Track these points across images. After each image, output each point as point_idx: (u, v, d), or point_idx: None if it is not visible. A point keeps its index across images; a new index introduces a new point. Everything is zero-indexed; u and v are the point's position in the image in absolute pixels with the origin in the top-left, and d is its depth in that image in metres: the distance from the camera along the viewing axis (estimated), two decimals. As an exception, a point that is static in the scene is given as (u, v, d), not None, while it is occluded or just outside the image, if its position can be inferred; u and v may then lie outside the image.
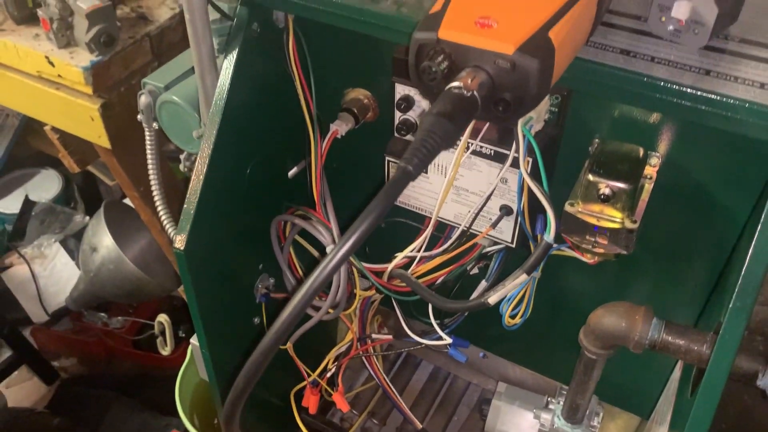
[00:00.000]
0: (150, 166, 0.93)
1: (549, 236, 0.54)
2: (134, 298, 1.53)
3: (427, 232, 0.65)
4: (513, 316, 0.67)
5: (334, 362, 0.79)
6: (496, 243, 0.69)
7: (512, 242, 0.67)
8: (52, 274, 1.62)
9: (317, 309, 0.71)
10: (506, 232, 0.67)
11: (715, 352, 0.48)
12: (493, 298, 0.57)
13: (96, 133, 1.22)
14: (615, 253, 0.58)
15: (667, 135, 0.59)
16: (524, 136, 0.55)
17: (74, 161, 1.37)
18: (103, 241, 1.44)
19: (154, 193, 0.94)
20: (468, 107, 0.39)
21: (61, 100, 1.20)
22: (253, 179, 0.70)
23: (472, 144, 0.61)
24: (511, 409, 0.75)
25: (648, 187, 0.59)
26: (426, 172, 0.69)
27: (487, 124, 0.60)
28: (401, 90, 0.66)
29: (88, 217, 1.74)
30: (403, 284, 0.68)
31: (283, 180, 0.76)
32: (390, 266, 0.68)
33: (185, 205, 0.62)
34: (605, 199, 0.55)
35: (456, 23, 0.41)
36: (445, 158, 0.67)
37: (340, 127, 0.70)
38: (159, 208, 0.93)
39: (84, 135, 1.25)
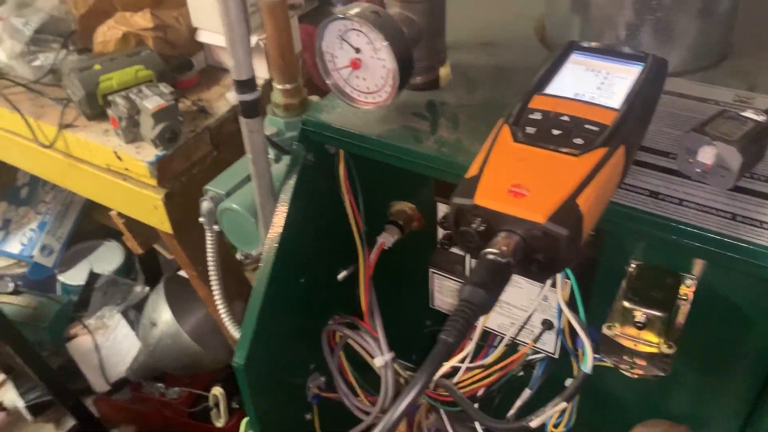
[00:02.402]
0: (210, 267, 0.99)
1: (587, 367, 0.57)
2: (190, 371, 1.59)
3: (472, 344, 0.68)
4: (556, 426, 0.69)
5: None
6: (538, 352, 0.72)
7: (554, 353, 0.70)
8: (113, 344, 1.70)
9: (367, 413, 0.74)
10: (548, 343, 0.70)
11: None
12: (534, 422, 0.60)
13: (159, 220, 1.30)
14: (653, 375, 0.60)
15: (701, 260, 0.61)
16: (561, 266, 0.58)
17: (137, 243, 1.46)
18: (162, 316, 1.51)
19: (215, 292, 0.99)
20: (503, 273, 0.43)
21: (128, 190, 1.29)
22: (306, 288, 0.75)
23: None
24: None
25: (684, 308, 0.62)
26: (468, 285, 0.72)
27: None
28: (443, 208, 0.70)
29: (147, 288, 1.83)
30: (443, 394, 0.71)
31: (332, 284, 0.80)
32: (435, 377, 0.71)
33: (244, 321, 0.67)
34: (641, 327, 0.58)
35: (491, 191, 0.45)
36: (487, 273, 0.70)
37: (387, 239, 0.74)
38: (219, 306, 0.98)
39: (148, 221, 1.33)
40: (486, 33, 0.77)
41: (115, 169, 1.28)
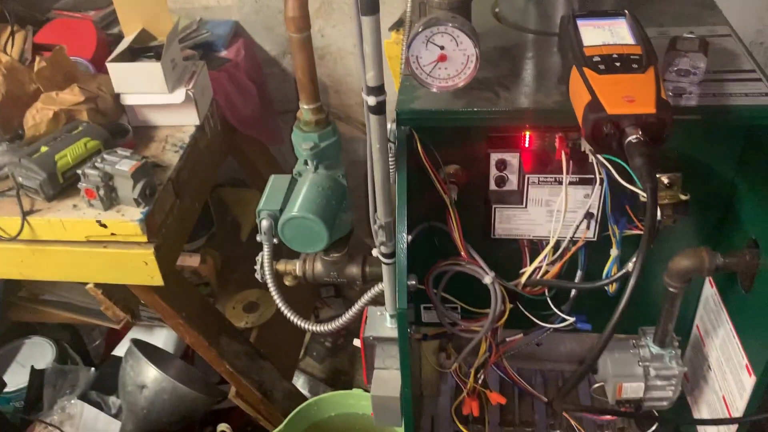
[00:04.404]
0: (269, 280, 1.10)
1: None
2: (184, 422, 1.62)
3: (547, 249, 0.94)
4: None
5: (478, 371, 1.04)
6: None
7: (594, 237, 0.97)
8: (86, 430, 1.65)
9: (475, 332, 0.96)
10: (588, 232, 0.97)
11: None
12: (630, 266, 0.87)
13: (149, 275, 1.36)
14: (677, 218, 0.90)
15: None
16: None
17: (119, 309, 1.48)
18: (149, 376, 1.54)
19: (278, 302, 1.10)
20: (646, 147, 0.68)
21: (111, 256, 1.34)
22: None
23: (566, 178, 0.90)
24: (613, 357, 1.03)
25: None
26: (526, 206, 0.97)
27: (572, 163, 0.90)
28: (495, 156, 0.94)
29: (92, 369, 1.79)
30: (536, 289, 0.96)
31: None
32: (523, 280, 0.95)
33: (399, 278, 0.85)
34: (668, 187, 0.87)
35: (614, 103, 0.70)
36: (538, 193, 0.96)
37: (453, 195, 0.95)
38: (287, 313, 1.10)
39: (135, 281, 1.38)
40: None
41: (96, 239, 1.32)
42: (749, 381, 0.90)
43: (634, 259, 0.75)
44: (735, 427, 0.96)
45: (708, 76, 0.85)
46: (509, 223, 0.99)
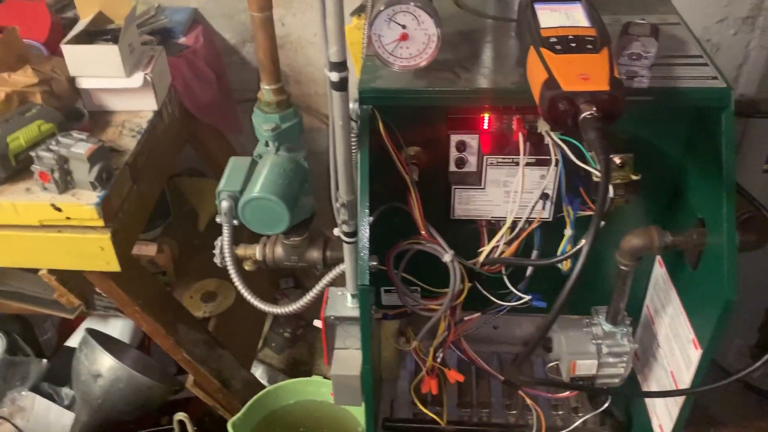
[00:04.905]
0: (228, 262, 1.10)
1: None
2: (140, 411, 1.60)
3: (504, 229, 0.96)
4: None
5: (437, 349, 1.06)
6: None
7: (549, 218, 1.00)
8: (37, 422, 1.61)
9: (434, 311, 0.97)
10: (544, 212, 1.00)
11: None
12: (582, 242, 0.90)
13: (105, 261, 1.34)
14: (628, 197, 0.93)
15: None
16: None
17: (74, 296, 1.45)
18: (104, 364, 1.51)
19: (237, 283, 1.10)
20: (599, 122, 0.70)
21: (66, 241, 1.31)
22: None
23: (523, 159, 0.93)
24: (567, 335, 1.06)
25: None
26: (484, 187, 0.99)
27: (529, 144, 0.93)
28: (455, 138, 0.96)
29: (44, 361, 1.75)
30: (493, 267, 0.98)
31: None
32: (481, 259, 0.97)
33: (360, 256, 0.86)
34: (620, 168, 0.90)
35: (569, 81, 0.73)
36: (496, 174, 0.98)
37: (414, 175, 0.97)
38: (245, 294, 1.10)
39: (91, 267, 1.36)
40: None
41: (50, 223, 1.30)
42: (696, 354, 0.93)
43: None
44: (682, 399, 0.99)
45: (658, 61, 0.88)
46: (468, 203, 1.01)
